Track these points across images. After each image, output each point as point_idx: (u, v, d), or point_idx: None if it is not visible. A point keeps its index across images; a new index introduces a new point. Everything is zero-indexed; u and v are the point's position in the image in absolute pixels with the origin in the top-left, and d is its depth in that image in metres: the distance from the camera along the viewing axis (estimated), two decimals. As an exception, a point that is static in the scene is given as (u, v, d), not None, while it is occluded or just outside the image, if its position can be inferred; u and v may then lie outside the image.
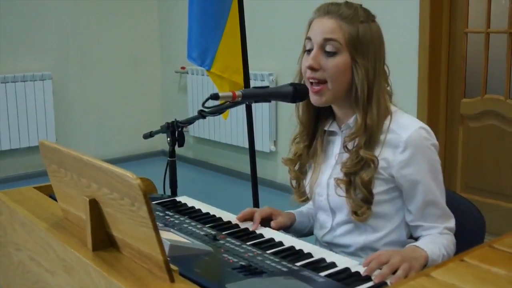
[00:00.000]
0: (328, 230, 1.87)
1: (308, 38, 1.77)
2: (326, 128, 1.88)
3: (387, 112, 1.76)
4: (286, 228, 1.92)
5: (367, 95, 1.73)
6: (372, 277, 1.45)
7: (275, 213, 1.91)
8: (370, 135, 1.73)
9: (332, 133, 1.88)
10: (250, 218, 1.87)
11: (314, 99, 1.79)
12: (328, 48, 1.72)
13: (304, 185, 1.94)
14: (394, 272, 1.48)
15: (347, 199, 1.75)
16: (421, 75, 4.16)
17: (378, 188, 1.74)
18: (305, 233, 2.01)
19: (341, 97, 1.77)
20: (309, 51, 1.77)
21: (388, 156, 1.72)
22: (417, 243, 1.67)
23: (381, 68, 1.76)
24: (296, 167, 1.94)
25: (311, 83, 1.77)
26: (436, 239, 1.72)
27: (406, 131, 1.72)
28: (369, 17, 1.76)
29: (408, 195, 1.75)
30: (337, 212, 1.84)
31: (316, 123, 1.90)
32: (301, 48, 1.83)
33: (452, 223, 1.77)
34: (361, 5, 1.79)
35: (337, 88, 1.74)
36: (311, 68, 1.74)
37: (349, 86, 1.75)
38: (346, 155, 1.78)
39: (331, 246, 1.86)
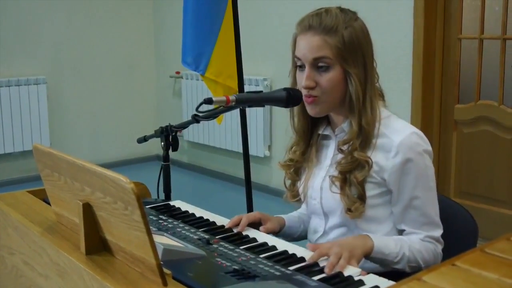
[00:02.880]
0: (321, 234, 1.88)
1: (297, 57, 1.79)
2: (320, 132, 1.89)
3: (378, 113, 1.76)
4: (275, 233, 1.93)
5: (362, 100, 1.74)
6: (325, 270, 1.50)
7: (264, 218, 1.91)
8: (365, 137, 1.74)
9: (326, 137, 1.89)
10: (239, 224, 1.86)
11: (309, 109, 1.81)
12: (320, 64, 1.73)
13: (298, 186, 1.95)
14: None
15: (341, 197, 1.75)
16: (415, 81, 4.17)
17: (371, 191, 1.75)
18: (295, 237, 2.02)
19: (336, 106, 1.79)
20: (301, 67, 1.78)
21: (380, 160, 1.74)
22: (373, 234, 1.70)
23: (371, 65, 1.77)
24: (292, 170, 1.95)
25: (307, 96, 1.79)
26: (405, 240, 1.73)
27: (399, 135, 1.73)
28: (351, 18, 1.75)
29: (394, 198, 1.76)
30: (330, 216, 1.84)
31: (312, 130, 1.91)
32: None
33: (437, 233, 1.77)
34: (339, 7, 1.78)
35: (332, 99, 1.76)
36: (308, 88, 1.76)
37: (344, 95, 1.76)
38: (340, 156, 1.79)
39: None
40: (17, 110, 5.66)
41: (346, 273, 1.48)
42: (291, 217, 2.03)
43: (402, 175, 1.72)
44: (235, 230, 1.83)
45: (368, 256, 1.66)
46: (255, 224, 1.88)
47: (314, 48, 1.73)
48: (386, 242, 1.69)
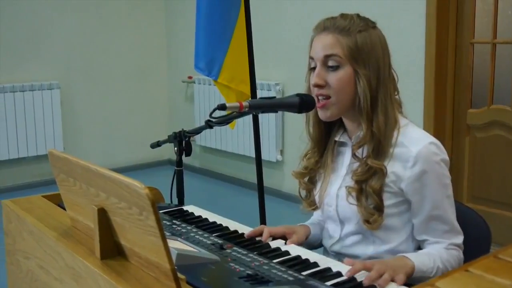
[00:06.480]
0: (337, 240, 1.88)
1: (311, 58, 1.80)
2: (336, 139, 1.89)
3: (395, 122, 1.76)
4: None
5: (371, 104, 1.74)
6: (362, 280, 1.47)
7: (288, 232, 1.87)
8: (377, 143, 1.74)
9: (343, 144, 1.89)
10: (260, 235, 1.84)
11: (320, 114, 1.81)
12: (330, 63, 1.74)
13: (314, 194, 1.94)
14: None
15: (358, 208, 1.75)
16: (428, 85, 4.16)
17: (388, 201, 1.74)
18: (315, 246, 1.99)
19: (347, 109, 1.78)
20: (314, 68, 1.79)
21: (398, 170, 1.73)
22: (407, 254, 1.69)
23: (386, 75, 1.77)
24: (306, 179, 1.95)
25: (318, 99, 1.79)
26: (433, 251, 1.73)
27: (416, 145, 1.72)
28: (368, 25, 1.76)
29: (415, 209, 1.75)
30: (345, 223, 1.84)
31: (327, 138, 1.91)
32: (307, 59, 1.84)
33: (459, 239, 1.77)
34: (358, 14, 1.80)
35: (341, 100, 1.76)
36: (317, 86, 1.76)
37: (354, 97, 1.76)
38: (356, 165, 1.79)
39: (339, 256, 1.87)
40: (30, 115, 5.70)
41: (359, 279, 1.48)
42: (313, 226, 2.01)
43: (421, 186, 1.71)
44: (257, 239, 1.81)
45: (410, 276, 1.62)
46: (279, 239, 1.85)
47: (326, 46, 1.74)
48: (422, 259, 1.67)
